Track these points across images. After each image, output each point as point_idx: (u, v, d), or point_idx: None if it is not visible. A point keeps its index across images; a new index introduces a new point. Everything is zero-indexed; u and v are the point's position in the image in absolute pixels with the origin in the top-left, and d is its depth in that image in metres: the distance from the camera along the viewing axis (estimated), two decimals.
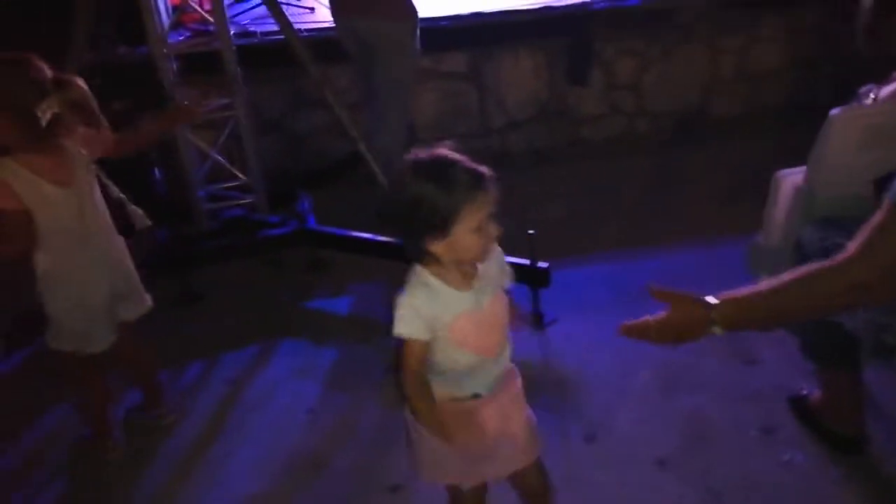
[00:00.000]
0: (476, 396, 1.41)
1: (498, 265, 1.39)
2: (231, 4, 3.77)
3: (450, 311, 1.31)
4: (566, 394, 2.23)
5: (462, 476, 1.48)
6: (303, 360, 2.44)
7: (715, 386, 2.19)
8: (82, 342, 1.93)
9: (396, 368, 2.32)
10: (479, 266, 1.33)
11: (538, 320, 2.53)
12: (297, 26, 3.34)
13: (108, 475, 2.05)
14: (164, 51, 2.68)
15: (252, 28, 3.49)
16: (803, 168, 1.84)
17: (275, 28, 3.36)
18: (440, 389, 1.38)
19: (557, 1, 3.61)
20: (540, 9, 3.58)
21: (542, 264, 2.49)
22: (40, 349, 2.44)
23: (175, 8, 2.90)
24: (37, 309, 2.02)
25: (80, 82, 1.76)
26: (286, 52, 2.94)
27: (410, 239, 1.27)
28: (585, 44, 3.64)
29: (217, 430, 2.16)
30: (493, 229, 1.27)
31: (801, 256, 1.70)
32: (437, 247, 1.25)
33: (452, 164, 1.24)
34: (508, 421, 1.45)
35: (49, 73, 1.71)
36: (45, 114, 1.67)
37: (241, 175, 2.90)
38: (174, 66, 2.74)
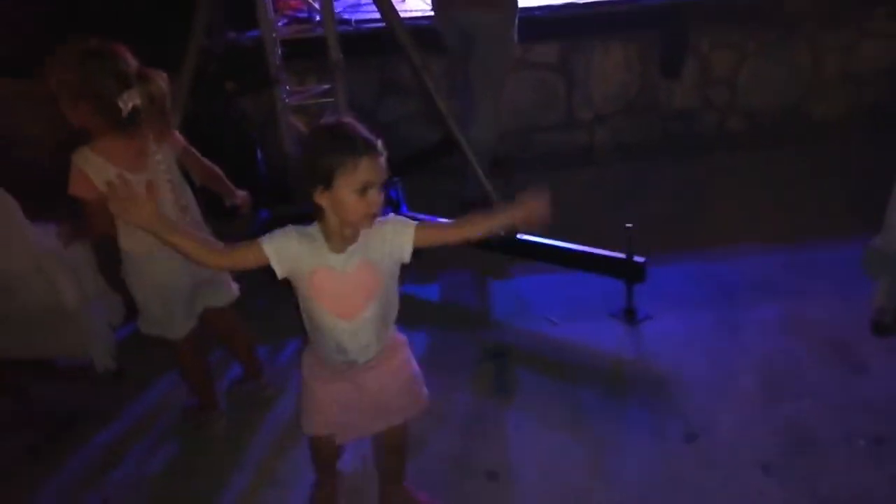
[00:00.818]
0: (353, 363, 1.58)
1: (386, 243, 1.49)
2: None
3: (312, 262, 1.47)
4: (662, 393, 2.19)
5: (339, 429, 1.67)
6: None
7: (820, 393, 2.11)
8: (165, 327, 2.00)
9: (495, 355, 2.35)
10: (362, 235, 1.47)
11: (632, 316, 2.50)
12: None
13: (214, 444, 2.14)
14: (273, 35, 2.75)
15: (346, 16, 3.55)
16: None
17: (367, 17, 3.45)
18: (320, 352, 1.60)
19: None
20: (633, 0, 3.51)
21: (638, 259, 2.45)
22: None
23: None
24: None
25: (163, 79, 1.80)
26: (377, 40, 2.97)
27: (305, 191, 1.42)
28: (680, 35, 3.55)
29: None
30: (376, 198, 1.39)
31: None
32: (321, 199, 1.40)
33: (342, 126, 1.41)
34: (385, 390, 1.63)
35: (134, 64, 1.76)
36: (127, 104, 1.72)
37: None
38: (279, 52, 2.81)
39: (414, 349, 2.40)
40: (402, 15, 3.53)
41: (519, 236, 2.64)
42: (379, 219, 1.46)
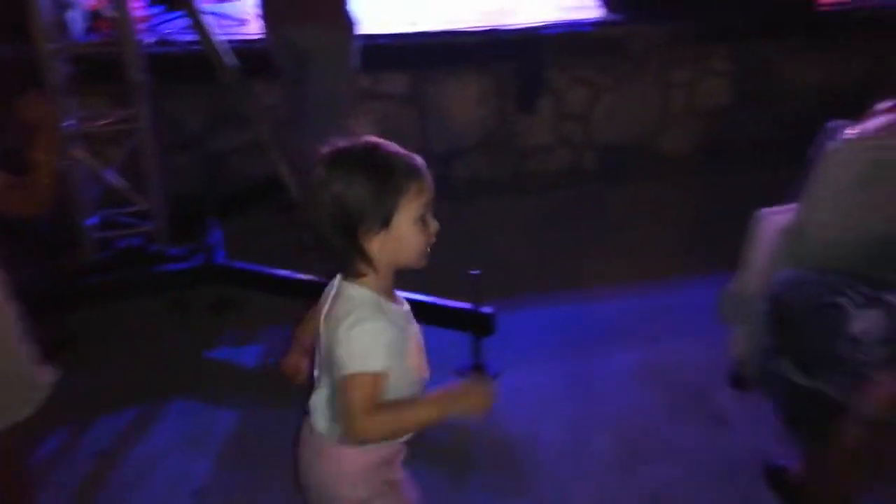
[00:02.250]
0: None
1: None
2: (159, 13, 3.44)
3: (406, 331, 1.18)
4: (512, 467, 1.91)
5: None
6: (195, 425, 2.03)
7: (680, 454, 1.91)
8: None
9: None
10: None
11: (481, 373, 2.21)
12: (225, 38, 3.06)
13: None
14: (50, 48, 2.28)
15: (174, 38, 3.20)
16: (790, 207, 1.60)
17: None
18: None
19: (506, 24, 3.41)
20: (488, 31, 3.36)
21: (486, 309, 2.18)
22: None
23: (92, 13, 2.55)
24: None
25: None
26: (206, 63, 2.62)
27: (342, 242, 1.10)
28: (535, 69, 3.43)
29: None
30: (434, 223, 1.15)
31: (779, 307, 1.44)
32: (375, 244, 1.10)
33: (381, 148, 1.13)
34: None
35: None
36: None
37: (139, 199, 2.49)
38: (65, 69, 2.35)
39: (217, 433, 2.00)
40: (242, 38, 3.22)
41: None
42: None
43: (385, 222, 1.10)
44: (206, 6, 3.66)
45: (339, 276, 1.19)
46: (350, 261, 1.13)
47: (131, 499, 1.78)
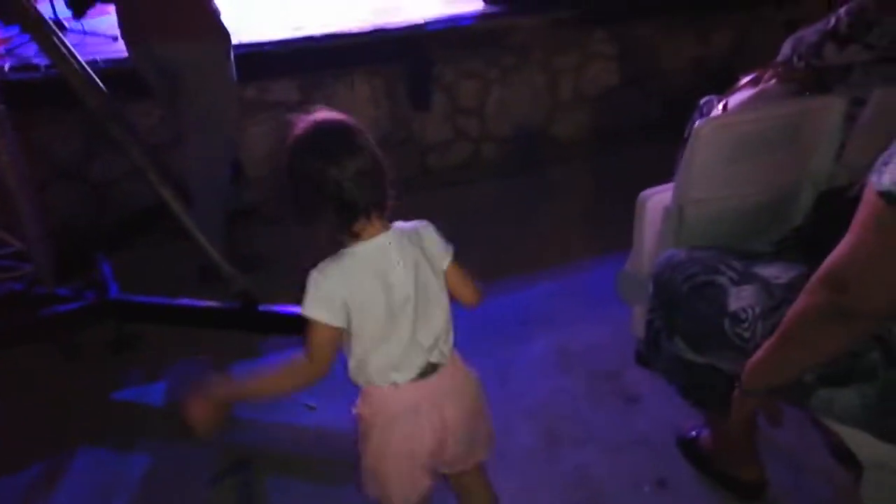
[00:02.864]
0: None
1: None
2: (17, 34, 3.20)
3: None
4: None
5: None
6: (105, 474, 1.91)
7: (600, 435, 1.97)
8: None
9: (237, 468, 1.89)
10: None
11: None
12: (98, 57, 2.88)
13: None
14: None
15: (37, 61, 2.97)
16: (670, 185, 1.67)
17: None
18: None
19: (390, 23, 3.39)
20: (372, 31, 3.33)
21: None
22: None
23: None
24: None
25: None
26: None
27: (331, 225, 1.20)
28: (423, 66, 3.43)
29: None
30: None
31: (663, 289, 1.50)
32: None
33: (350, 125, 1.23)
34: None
35: None
36: None
37: (12, 240, 2.31)
38: None
39: (130, 480, 1.89)
40: (113, 57, 3.04)
41: (260, 307, 2.24)
42: None
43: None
44: (73, 24, 3.44)
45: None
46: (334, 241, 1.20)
47: None
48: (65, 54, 2.15)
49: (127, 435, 2.03)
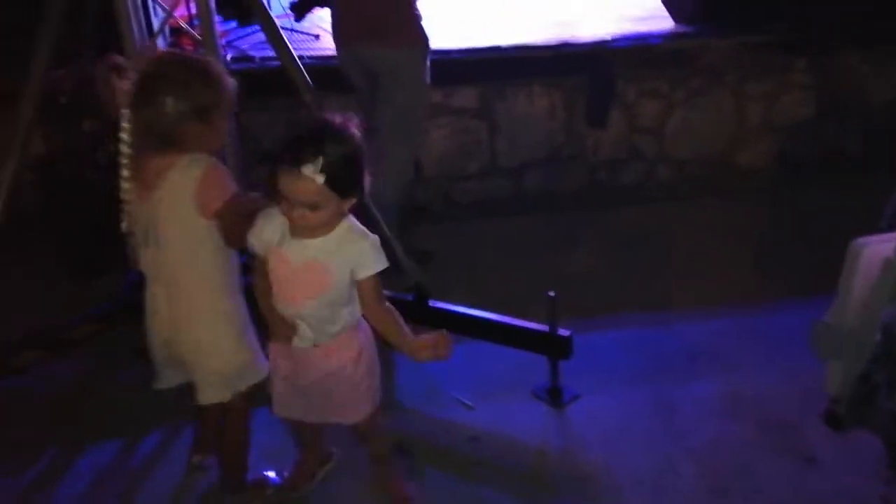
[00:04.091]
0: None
1: (342, 251, 1.52)
2: (233, 28, 3.54)
3: (274, 241, 1.54)
4: (591, 494, 1.87)
5: (300, 413, 1.72)
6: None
7: (771, 492, 1.84)
8: None
9: (399, 453, 1.96)
10: (318, 239, 1.51)
11: (557, 396, 2.19)
12: (299, 53, 3.12)
13: None
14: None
15: (252, 53, 3.31)
16: (891, 235, 1.53)
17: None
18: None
19: (576, 38, 3.39)
20: (558, 45, 3.35)
21: (564, 332, 2.15)
22: None
23: (173, 30, 2.63)
24: None
25: None
26: (284, 79, 2.67)
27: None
28: (605, 83, 3.38)
29: None
30: (296, 215, 1.46)
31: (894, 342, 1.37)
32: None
33: (313, 123, 1.60)
34: (316, 385, 1.64)
35: None
36: None
37: None
38: None
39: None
40: (317, 53, 3.29)
41: (431, 302, 2.32)
42: (349, 224, 1.53)
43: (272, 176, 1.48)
44: (279, 22, 3.76)
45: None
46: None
47: None
48: (290, 51, 2.35)
49: None
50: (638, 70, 3.38)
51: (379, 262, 1.52)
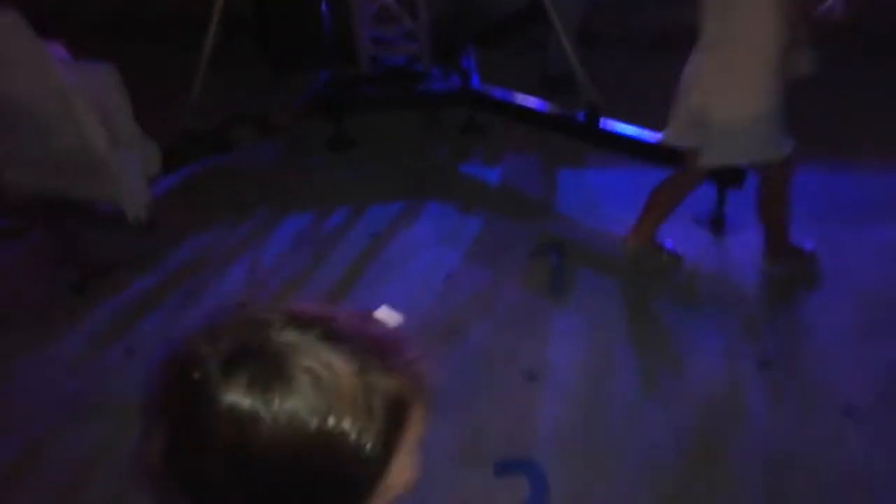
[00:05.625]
0: None
1: None
2: None
3: None
4: (739, 312, 1.93)
5: None
6: (448, 225, 2.29)
7: None
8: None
9: (553, 250, 2.12)
10: None
11: (719, 224, 2.19)
12: None
13: None
14: None
15: None
16: None
17: None
18: None
19: None
20: None
21: None
22: (197, 170, 2.47)
23: None
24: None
25: None
26: None
27: None
28: None
29: (354, 281, 2.08)
30: None
31: None
32: None
33: None
34: None
35: None
36: None
37: (408, 19, 2.64)
38: None
39: (466, 234, 2.24)
40: None
41: (601, 122, 2.33)
42: None
43: None
44: None
45: None
46: None
47: (395, 274, 2.09)
48: None
49: (468, 199, 2.38)
50: None
51: None
